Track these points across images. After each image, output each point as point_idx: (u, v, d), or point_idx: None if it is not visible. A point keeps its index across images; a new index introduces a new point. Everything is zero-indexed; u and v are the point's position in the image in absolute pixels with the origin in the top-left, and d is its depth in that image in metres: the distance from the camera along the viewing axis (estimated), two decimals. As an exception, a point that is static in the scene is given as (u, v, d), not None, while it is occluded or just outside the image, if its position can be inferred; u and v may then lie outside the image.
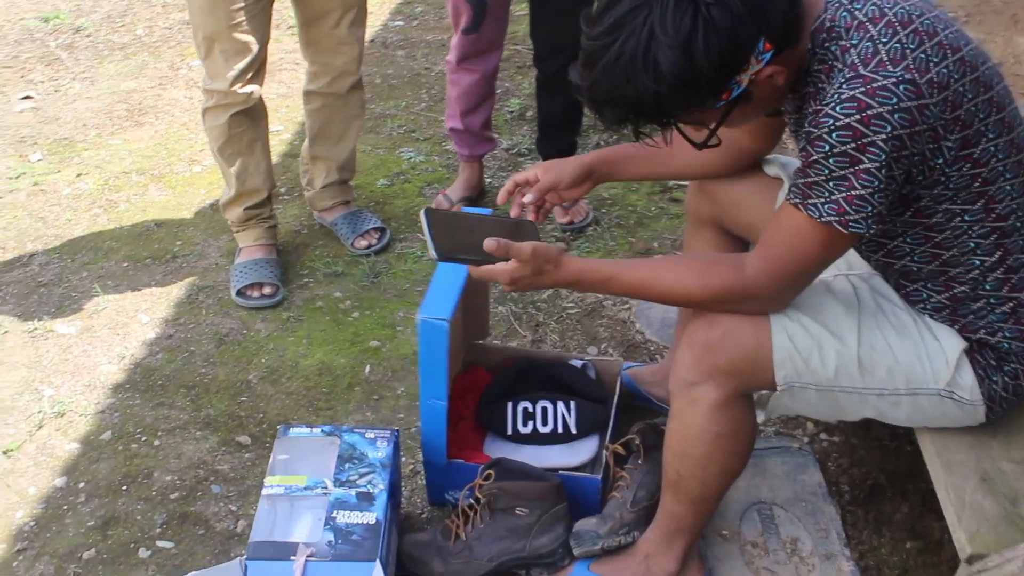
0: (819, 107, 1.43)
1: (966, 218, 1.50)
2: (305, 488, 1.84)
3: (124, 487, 2.15)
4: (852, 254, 1.73)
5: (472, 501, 1.93)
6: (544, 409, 2.11)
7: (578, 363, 2.26)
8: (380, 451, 1.91)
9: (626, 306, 2.68)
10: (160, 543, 2.02)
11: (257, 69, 2.59)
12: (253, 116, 2.65)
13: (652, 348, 2.55)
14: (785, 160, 1.96)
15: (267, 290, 2.72)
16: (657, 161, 1.89)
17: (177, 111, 3.86)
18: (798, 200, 1.48)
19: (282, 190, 3.27)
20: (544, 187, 1.86)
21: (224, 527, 2.05)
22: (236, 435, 2.28)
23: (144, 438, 2.28)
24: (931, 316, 1.63)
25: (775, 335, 1.59)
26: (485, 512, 1.90)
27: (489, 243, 1.59)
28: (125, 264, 2.93)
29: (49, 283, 2.86)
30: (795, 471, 2.18)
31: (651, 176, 2.01)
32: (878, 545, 2.02)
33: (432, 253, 1.59)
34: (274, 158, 3.41)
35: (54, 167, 3.50)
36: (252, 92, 2.59)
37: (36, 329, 2.65)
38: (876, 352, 1.59)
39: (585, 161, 1.89)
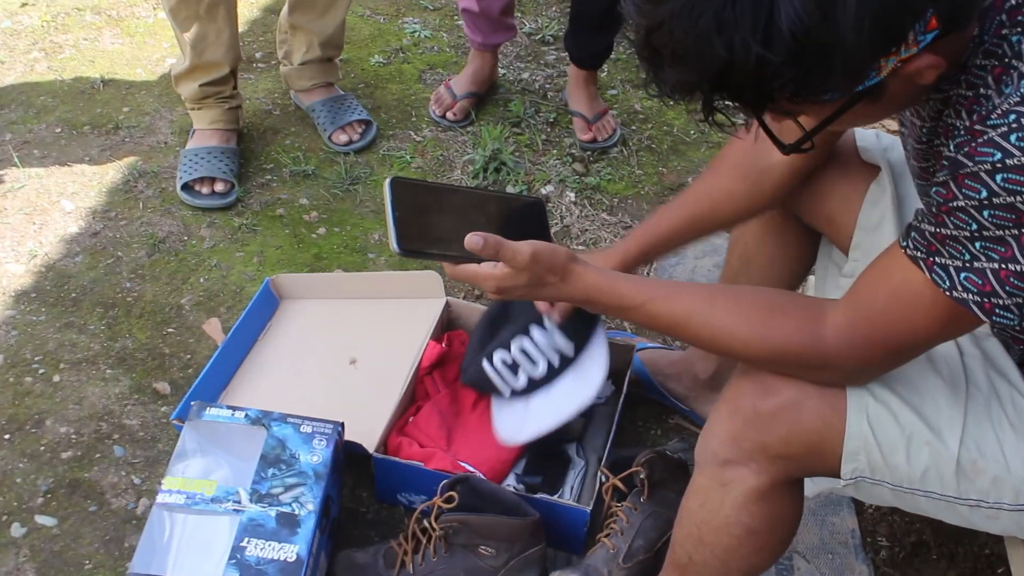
0: (978, 127, 0.94)
1: None
2: (212, 500, 1.44)
3: (7, 436, 1.75)
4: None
5: (427, 525, 1.53)
6: (523, 350, 1.61)
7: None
8: (316, 454, 1.50)
9: (646, 259, 2.22)
10: (40, 518, 1.63)
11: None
12: (216, -27, 2.12)
13: (671, 318, 2.11)
14: (889, 141, 1.48)
15: (219, 187, 2.25)
16: (705, 223, 1.50)
17: (151, -65, 3.28)
18: (919, 254, 1.02)
19: (257, 55, 2.75)
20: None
21: (121, 504, 1.66)
22: (154, 380, 1.87)
23: (42, 370, 1.86)
24: (1063, 408, 1.19)
25: (851, 418, 1.16)
26: (440, 545, 1.51)
27: (472, 241, 1.14)
28: (58, 129, 2.45)
29: (-37, 143, 2.38)
30: (825, 511, 1.78)
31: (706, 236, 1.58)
32: (915, 620, 1.65)
33: (393, 244, 1.14)
34: (254, 11, 2.90)
35: (-3, -11, 2.96)
36: (215, -59, 2.06)
37: (-63, 203, 2.20)
38: (984, 456, 1.16)
39: (623, 261, 1.50)
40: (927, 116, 1.11)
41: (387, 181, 1.15)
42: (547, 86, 2.72)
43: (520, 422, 1.63)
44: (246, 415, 1.54)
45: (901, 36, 0.90)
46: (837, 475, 1.21)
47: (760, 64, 0.88)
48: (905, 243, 1.04)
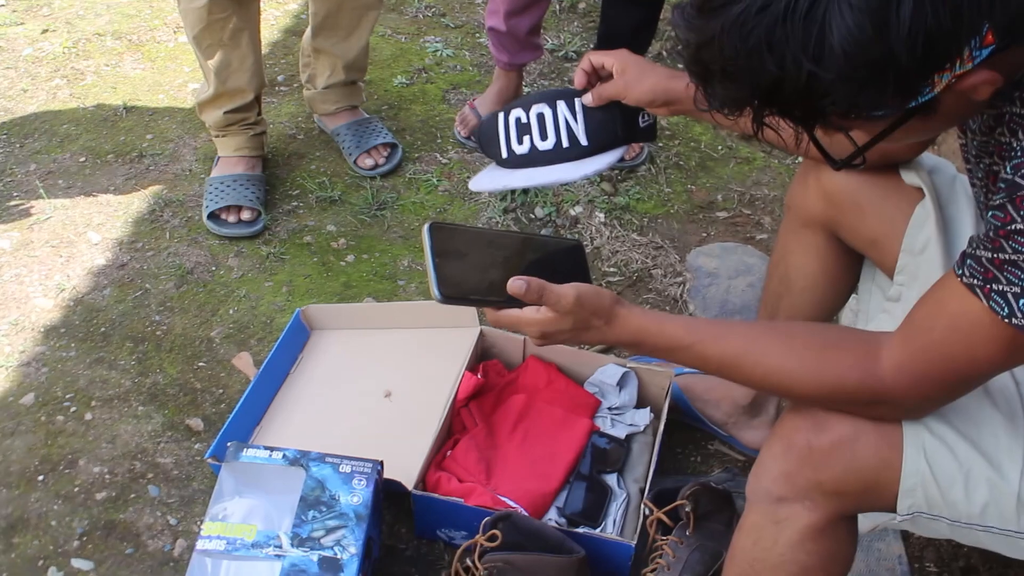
0: None
1: None
2: (253, 545, 1.41)
3: (41, 477, 1.73)
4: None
5: (470, 564, 1.50)
6: (540, 116, 1.46)
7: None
8: (356, 495, 1.48)
9: (678, 279, 2.20)
10: (76, 562, 1.61)
11: (247, -63, 2.03)
12: (241, 0, 2.10)
13: (706, 340, 2.08)
14: (933, 163, 1.44)
15: (245, 215, 2.23)
16: None
17: (169, -42, 3.27)
18: (976, 281, 0.99)
19: (280, 78, 2.73)
20: (608, 94, 1.42)
21: (158, 547, 1.64)
22: (187, 416, 1.84)
23: (74, 408, 1.84)
24: None
25: (907, 454, 1.13)
26: (484, 584, 1.48)
27: (515, 285, 1.13)
28: (82, 158, 2.43)
29: (-12, 174, 2.37)
30: (870, 536, 1.73)
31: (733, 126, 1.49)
32: (970, 652, 1.61)
33: (434, 291, 1.12)
34: (275, 34, 2.88)
35: (17, 17, 2.96)
36: (238, -31, 2.04)
37: (-37, 237, 2.19)
38: None
39: (670, 88, 1.39)
40: (978, 130, 1.08)
41: (425, 227, 1.13)
42: (572, 103, 2.69)
43: (494, 179, 1.51)
44: (283, 455, 1.52)
45: (956, 51, 0.87)
46: (893, 510, 1.18)
47: (811, 81, 0.87)
48: (960, 271, 1.01)
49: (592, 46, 2.53)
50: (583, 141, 1.44)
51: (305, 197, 2.34)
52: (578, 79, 1.45)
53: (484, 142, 1.52)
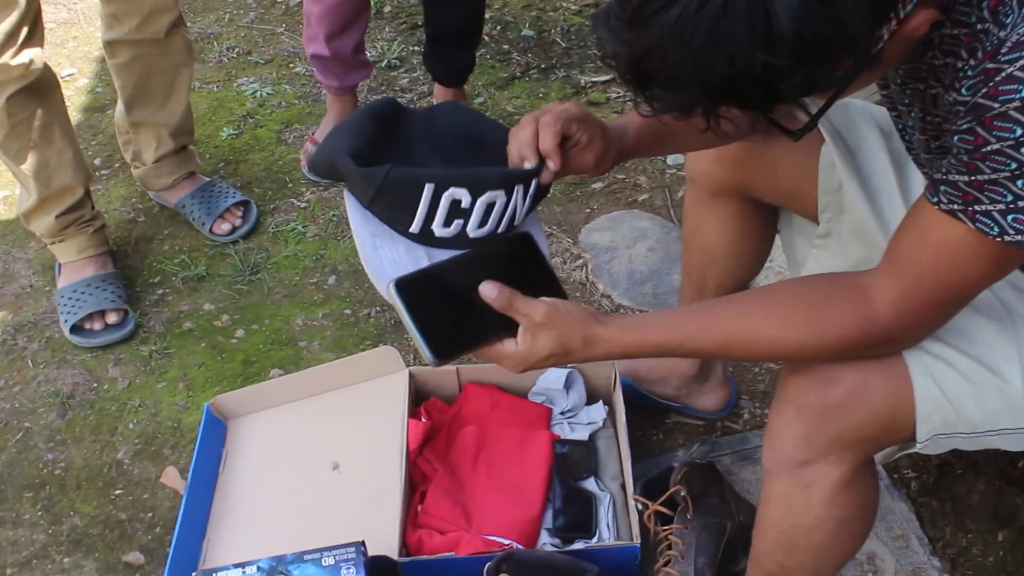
0: (991, 64, 0.90)
1: None
2: (259, 677, 1.28)
3: (-23, 673, 1.52)
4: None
5: (482, 618, 1.41)
6: (489, 205, 1.13)
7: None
8: (349, 586, 1.36)
9: (578, 262, 2.15)
10: None
11: (32, 25, 1.82)
12: (40, 92, 1.89)
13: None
14: (816, 97, 1.44)
15: (112, 318, 2.03)
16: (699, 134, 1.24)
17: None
18: (956, 206, 0.98)
19: (96, 161, 2.51)
20: (577, 170, 1.22)
21: None
22: (122, 552, 1.66)
23: (-10, 584, 1.64)
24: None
25: (917, 382, 1.13)
26: (504, 635, 1.40)
27: (485, 288, 1.08)
28: (-97, 305, 2.16)
29: None
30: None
31: (688, 150, 1.47)
32: (967, 544, 1.64)
33: (427, 357, 1.05)
34: (75, 115, 2.66)
35: None
36: (32, 60, 1.83)
37: None
38: None
39: (623, 149, 1.25)
40: (905, 59, 1.07)
41: (391, 287, 1.05)
42: (411, 112, 2.59)
43: (404, 263, 1.13)
44: (257, 567, 1.38)
45: (899, 0, 0.87)
46: (910, 441, 1.19)
47: (766, 71, 0.84)
48: (936, 199, 1.00)
49: (420, 50, 2.43)
50: (517, 223, 1.19)
51: (170, 281, 2.16)
52: (550, 155, 1.16)
53: (390, 204, 1.12)
